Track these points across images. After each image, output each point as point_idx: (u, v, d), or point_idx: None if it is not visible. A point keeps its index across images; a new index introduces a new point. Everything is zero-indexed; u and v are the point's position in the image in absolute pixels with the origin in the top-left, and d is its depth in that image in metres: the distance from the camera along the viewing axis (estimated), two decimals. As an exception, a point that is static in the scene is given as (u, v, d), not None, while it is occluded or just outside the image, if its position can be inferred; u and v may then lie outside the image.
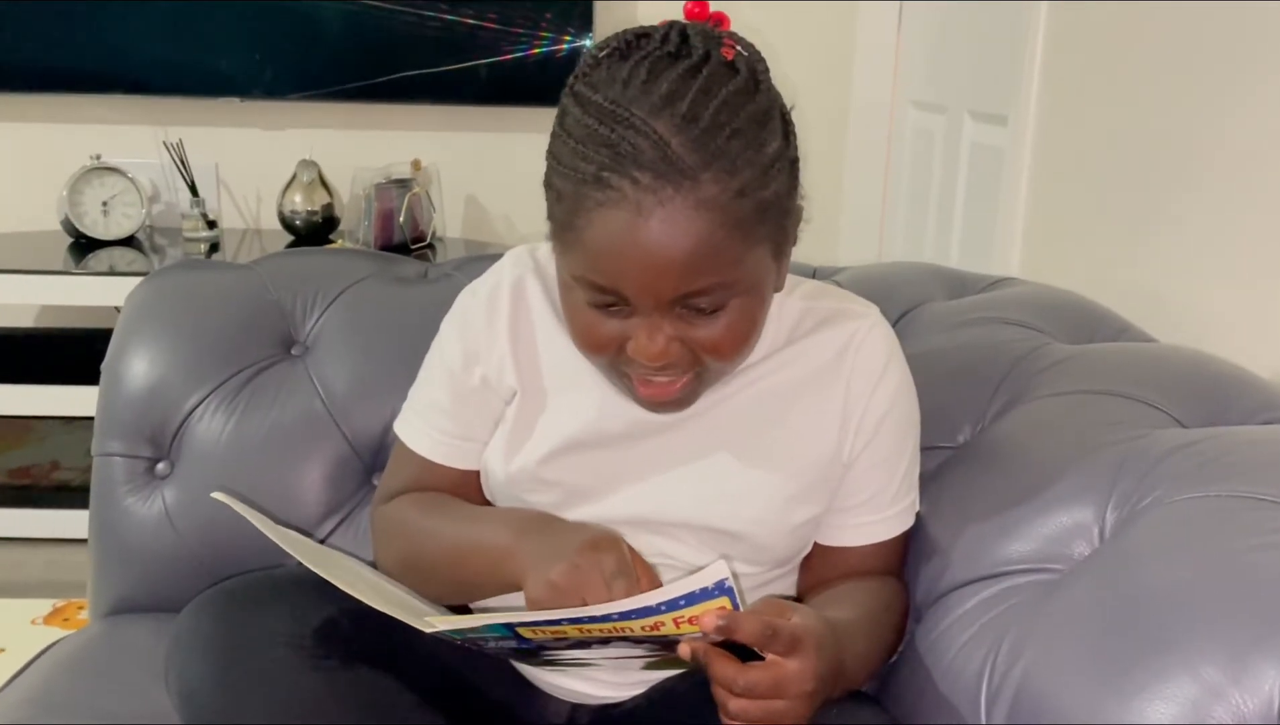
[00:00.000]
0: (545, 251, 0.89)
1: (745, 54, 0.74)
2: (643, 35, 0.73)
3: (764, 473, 0.84)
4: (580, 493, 0.86)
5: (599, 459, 0.86)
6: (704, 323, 0.74)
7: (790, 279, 0.88)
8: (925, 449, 0.94)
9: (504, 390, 0.88)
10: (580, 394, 0.86)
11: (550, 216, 0.75)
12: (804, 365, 0.86)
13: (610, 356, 0.77)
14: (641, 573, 0.73)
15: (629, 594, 0.69)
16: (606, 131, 0.69)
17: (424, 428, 0.91)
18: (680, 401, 0.79)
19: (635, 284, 0.71)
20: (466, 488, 0.91)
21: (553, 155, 0.74)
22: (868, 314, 0.88)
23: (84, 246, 2.28)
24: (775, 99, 0.75)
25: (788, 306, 0.87)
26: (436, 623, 0.71)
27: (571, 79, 0.74)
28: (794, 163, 0.76)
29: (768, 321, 0.84)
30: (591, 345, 0.77)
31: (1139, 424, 0.85)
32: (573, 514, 0.85)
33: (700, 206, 0.68)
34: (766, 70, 0.74)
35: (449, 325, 0.92)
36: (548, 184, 0.75)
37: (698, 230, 0.69)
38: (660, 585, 0.73)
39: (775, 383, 0.85)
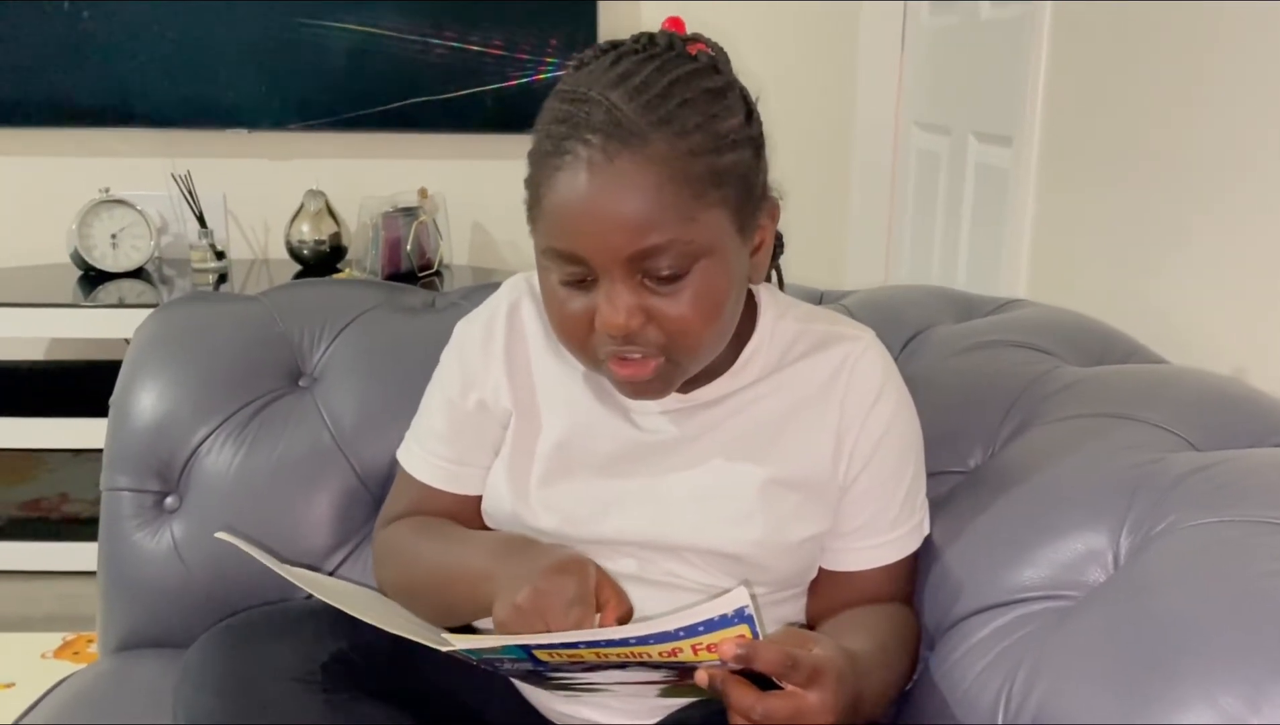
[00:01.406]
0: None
1: (709, 51, 0.78)
2: (616, 43, 0.78)
3: (760, 495, 0.84)
4: (579, 518, 0.86)
5: (595, 482, 0.86)
6: (667, 293, 0.74)
7: (784, 301, 0.89)
8: (936, 474, 0.93)
9: (500, 414, 0.89)
10: (573, 416, 0.87)
11: (526, 207, 0.78)
12: (798, 388, 0.86)
13: (582, 339, 0.78)
14: (610, 598, 0.74)
15: (583, 620, 0.71)
16: (568, 108, 0.73)
17: (422, 453, 0.93)
18: (655, 384, 0.79)
19: (590, 242, 0.72)
20: (464, 513, 0.92)
21: (529, 151, 0.77)
22: (861, 336, 0.88)
23: (93, 279, 2.29)
24: (735, 83, 0.79)
25: (780, 329, 0.87)
26: (454, 642, 0.71)
27: (552, 89, 0.79)
28: (758, 145, 0.78)
29: (761, 343, 0.85)
30: (565, 328, 0.79)
31: (1152, 448, 0.84)
32: (575, 537, 0.85)
33: (649, 161, 0.71)
34: (728, 62, 0.79)
35: (447, 354, 0.94)
36: (525, 180, 0.78)
37: (646, 183, 0.71)
38: (629, 609, 0.75)
39: (769, 406, 0.85)
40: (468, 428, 0.90)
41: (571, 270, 0.75)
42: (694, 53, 0.77)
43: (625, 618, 0.74)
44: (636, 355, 0.77)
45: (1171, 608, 0.68)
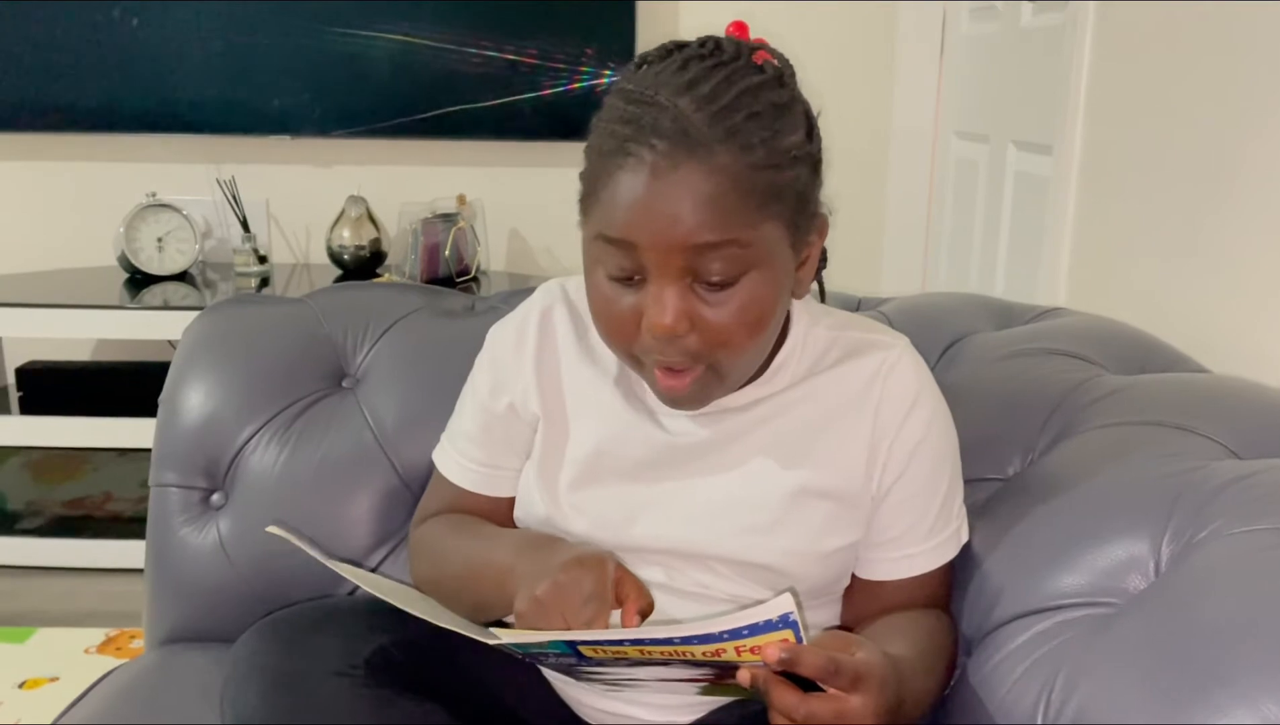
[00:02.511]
0: (575, 283, 0.92)
1: (775, 62, 0.78)
2: (681, 44, 0.78)
3: (791, 505, 0.84)
4: (608, 523, 0.86)
5: (624, 487, 0.86)
6: (715, 300, 0.75)
7: (818, 309, 0.89)
8: (974, 481, 0.93)
9: (529, 417, 0.90)
10: (603, 420, 0.88)
11: (579, 200, 0.79)
12: (830, 396, 0.85)
13: (626, 339, 0.78)
14: (630, 592, 0.74)
15: (599, 617, 0.72)
16: (634, 110, 0.73)
17: (455, 456, 0.94)
18: (695, 395, 0.79)
19: (647, 234, 0.73)
20: (497, 514, 0.93)
21: (587, 146, 0.78)
22: (895, 344, 0.87)
23: (139, 282, 2.33)
24: (800, 98, 0.79)
25: (814, 336, 0.87)
26: (501, 635, 0.72)
27: (613, 84, 0.79)
28: (816, 163, 0.79)
29: (793, 351, 0.85)
30: (611, 325, 0.79)
31: (1194, 456, 0.83)
32: (605, 543, 0.85)
33: (712, 171, 0.71)
34: (794, 75, 0.79)
35: (480, 357, 0.95)
36: (581, 174, 0.78)
37: (709, 189, 0.71)
38: (649, 603, 0.75)
39: (801, 413, 0.85)
40: (498, 431, 0.92)
41: (622, 262, 0.75)
42: (760, 62, 0.76)
43: (646, 612, 0.75)
44: (681, 364, 0.77)
45: (1214, 615, 0.68)
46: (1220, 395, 0.94)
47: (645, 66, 0.77)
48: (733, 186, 0.72)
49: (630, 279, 0.76)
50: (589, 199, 0.77)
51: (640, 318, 0.76)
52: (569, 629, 0.71)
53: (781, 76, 0.77)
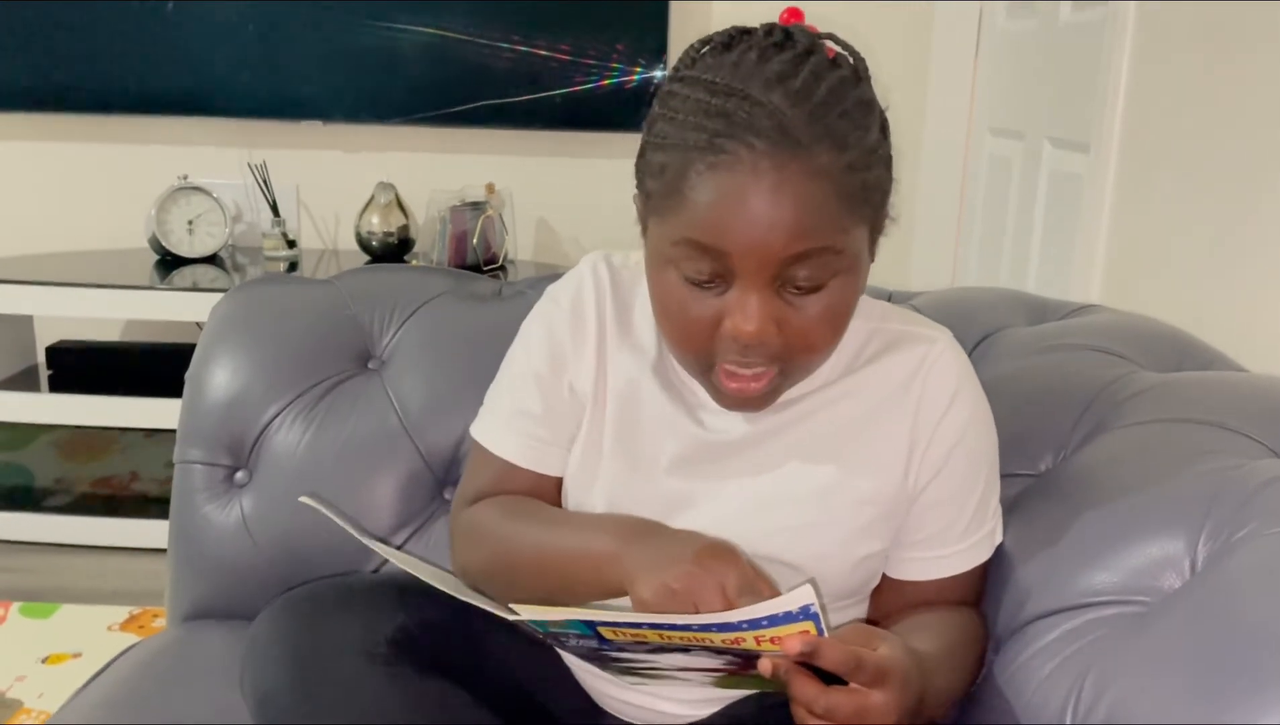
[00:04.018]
0: (619, 259, 0.90)
1: (845, 53, 0.76)
2: (744, 31, 0.75)
3: (827, 507, 0.83)
4: (645, 517, 0.85)
5: (662, 482, 0.85)
6: (801, 304, 0.73)
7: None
8: (1005, 477, 0.91)
9: (584, 397, 0.88)
10: (640, 410, 0.86)
11: (646, 194, 0.75)
12: (871, 392, 0.83)
13: (700, 343, 0.75)
14: (765, 587, 0.71)
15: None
16: (720, 102, 0.70)
17: (506, 432, 0.90)
18: (762, 398, 0.77)
19: (744, 243, 0.70)
20: (543, 492, 0.90)
21: (653, 136, 0.74)
22: (938, 337, 0.85)
23: (169, 263, 2.35)
24: (874, 94, 0.76)
25: (853, 327, 0.84)
26: (521, 611, 0.70)
27: (672, 71, 0.76)
28: (890, 161, 0.76)
29: None
30: (682, 327, 0.76)
31: (1232, 454, 0.81)
32: None
33: (814, 174, 0.69)
34: (866, 69, 0.76)
35: (535, 328, 0.91)
36: (643, 163, 0.75)
37: (810, 194, 0.69)
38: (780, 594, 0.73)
39: (840, 412, 0.83)
40: (557, 406, 0.88)
41: (707, 267, 0.72)
42: (832, 56, 0.74)
43: None
44: (757, 368, 0.75)
45: (1252, 614, 0.66)
46: (1259, 393, 0.92)
47: (710, 54, 0.74)
48: (833, 191, 0.70)
49: (710, 281, 0.73)
50: (669, 197, 0.72)
51: (717, 321, 0.73)
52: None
53: (858, 71, 0.75)
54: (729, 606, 0.68)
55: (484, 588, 0.85)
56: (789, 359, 0.75)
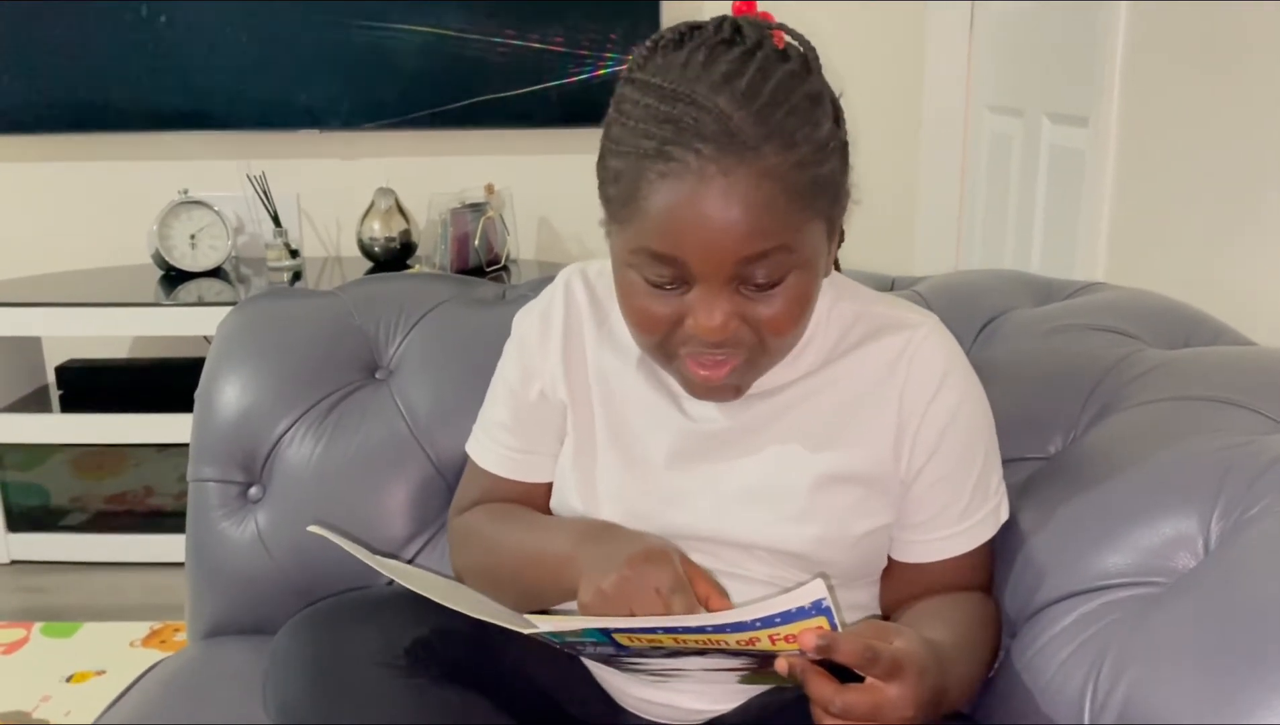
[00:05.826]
0: (595, 268, 0.92)
1: (795, 43, 0.76)
2: (695, 27, 0.76)
3: (818, 492, 0.83)
4: (642, 512, 0.86)
5: (655, 476, 0.86)
6: (760, 299, 0.74)
7: (841, 283, 0.88)
8: (1015, 460, 0.91)
9: (558, 403, 0.90)
10: (628, 408, 0.88)
11: (605, 199, 0.77)
12: (855, 379, 0.84)
13: (664, 338, 0.77)
14: (701, 586, 0.74)
15: (689, 609, 0.71)
16: (668, 109, 0.71)
17: (489, 444, 0.94)
18: (730, 389, 0.79)
19: (698, 249, 0.71)
20: (533, 499, 0.93)
21: (609, 140, 0.75)
22: (923, 322, 0.85)
23: (174, 278, 2.35)
24: (825, 84, 0.77)
25: (837, 312, 0.86)
26: (538, 623, 0.71)
27: (625, 70, 0.77)
28: (845, 150, 0.77)
29: (816, 328, 0.84)
30: (646, 326, 0.78)
31: (1243, 430, 0.81)
32: (643, 530, 0.84)
33: (763, 175, 0.70)
34: (817, 58, 0.77)
35: (509, 346, 0.95)
36: (602, 168, 0.76)
37: (760, 197, 0.70)
38: (725, 597, 0.74)
39: (826, 399, 0.84)
40: (530, 417, 0.92)
41: (667, 272, 0.74)
42: (782, 47, 0.74)
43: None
44: (720, 356, 0.76)
45: (1266, 593, 0.66)
46: (1267, 367, 0.91)
47: (660, 53, 0.75)
48: (782, 190, 0.70)
49: (671, 284, 0.75)
50: (625, 206, 0.74)
51: (679, 319, 0.75)
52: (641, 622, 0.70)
53: (807, 62, 0.75)
54: (667, 609, 0.70)
55: (477, 589, 0.87)
56: (756, 346, 0.77)
